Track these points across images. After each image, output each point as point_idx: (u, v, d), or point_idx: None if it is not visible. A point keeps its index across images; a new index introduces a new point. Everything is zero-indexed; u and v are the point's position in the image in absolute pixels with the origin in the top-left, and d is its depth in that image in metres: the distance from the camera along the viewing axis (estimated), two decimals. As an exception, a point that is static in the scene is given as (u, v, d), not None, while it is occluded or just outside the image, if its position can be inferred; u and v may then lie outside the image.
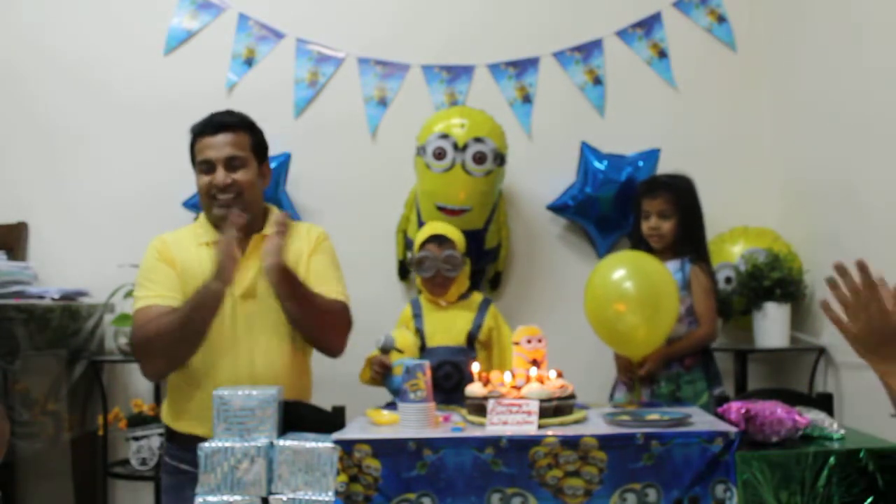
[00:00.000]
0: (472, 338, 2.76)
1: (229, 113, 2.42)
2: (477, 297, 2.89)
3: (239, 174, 2.32)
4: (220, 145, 2.33)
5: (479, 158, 2.98)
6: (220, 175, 2.31)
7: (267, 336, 2.30)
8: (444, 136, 3.00)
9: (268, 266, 2.19)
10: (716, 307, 2.84)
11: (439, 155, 2.98)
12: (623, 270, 2.55)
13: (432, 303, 2.83)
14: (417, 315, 2.83)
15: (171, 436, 2.36)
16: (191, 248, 2.35)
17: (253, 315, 2.28)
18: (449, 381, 2.68)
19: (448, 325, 2.79)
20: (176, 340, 2.19)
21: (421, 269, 2.77)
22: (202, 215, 2.44)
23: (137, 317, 2.28)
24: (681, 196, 2.85)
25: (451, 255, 2.76)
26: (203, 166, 2.33)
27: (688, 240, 2.85)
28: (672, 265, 2.79)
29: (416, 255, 2.80)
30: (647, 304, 2.51)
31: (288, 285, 2.23)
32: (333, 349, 2.41)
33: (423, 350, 2.76)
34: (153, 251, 2.36)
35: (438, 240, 2.79)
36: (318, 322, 2.32)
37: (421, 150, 3.04)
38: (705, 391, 2.74)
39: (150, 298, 2.28)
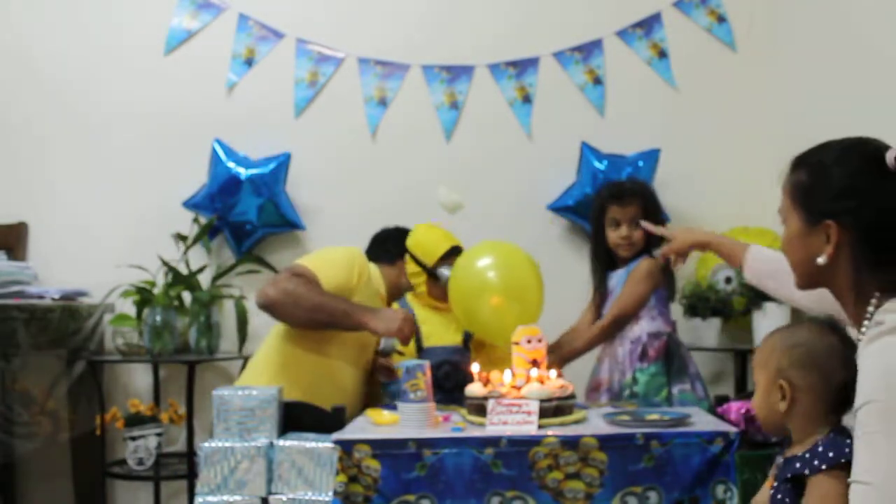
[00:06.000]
0: (468, 337, 2.75)
1: None
2: None
3: None
4: None
5: None
6: None
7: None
8: None
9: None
10: (642, 294, 2.69)
11: None
12: (488, 260, 2.53)
13: (430, 306, 2.79)
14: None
15: None
16: (373, 287, 2.60)
17: None
18: (449, 381, 2.67)
19: (445, 326, 2.76)
20: (297, 308, 2.35)
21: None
22: (382, 270, 2.72)
23: (301, 270, 2.40)
24: (648, 202, 2.75)
25: None
26: None
27: (649, 244, 2.73)
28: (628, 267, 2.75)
29: (433, 267, 2.69)
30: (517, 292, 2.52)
31: None
32: None
33: (421, 351, 2.74)
34: (356, 260, 2.53)
35: (460, 252, 2.71)
36: None
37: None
38: (665, 387, 2.65)
39: (322, 276, 2.41)
